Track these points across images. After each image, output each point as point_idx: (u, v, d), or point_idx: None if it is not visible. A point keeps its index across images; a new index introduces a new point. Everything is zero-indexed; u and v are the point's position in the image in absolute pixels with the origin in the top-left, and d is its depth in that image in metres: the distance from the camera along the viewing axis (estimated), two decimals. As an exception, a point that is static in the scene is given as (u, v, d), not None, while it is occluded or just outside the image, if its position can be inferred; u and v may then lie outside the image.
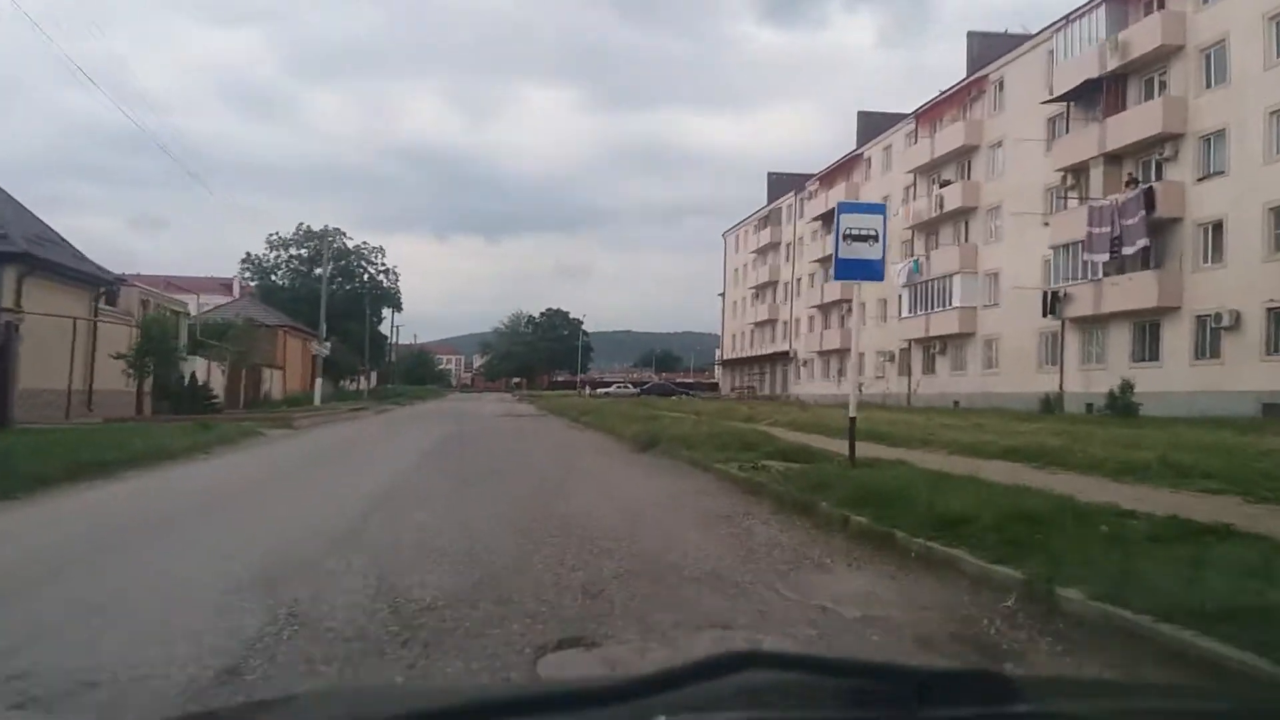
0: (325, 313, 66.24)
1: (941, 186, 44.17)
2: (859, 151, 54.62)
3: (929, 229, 45.65)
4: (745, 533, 7.42)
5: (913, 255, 46.21)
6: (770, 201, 69.44)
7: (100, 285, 23.56)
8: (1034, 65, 37.40)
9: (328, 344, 39.53)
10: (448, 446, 15.99)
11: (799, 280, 62.85)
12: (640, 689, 0.98)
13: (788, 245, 65.27)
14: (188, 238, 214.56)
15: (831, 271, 59.28)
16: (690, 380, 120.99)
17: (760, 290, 70.14)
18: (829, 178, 57.76)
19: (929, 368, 45.02)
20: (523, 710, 1.03)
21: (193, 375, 26.72)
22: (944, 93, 45.03)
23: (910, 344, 45.92)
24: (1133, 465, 10.64)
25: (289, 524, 7.67)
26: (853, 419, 10.71)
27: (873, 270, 10.94)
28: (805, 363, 60.99)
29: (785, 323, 65.27)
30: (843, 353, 54.95)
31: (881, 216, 11.22)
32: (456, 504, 8.82)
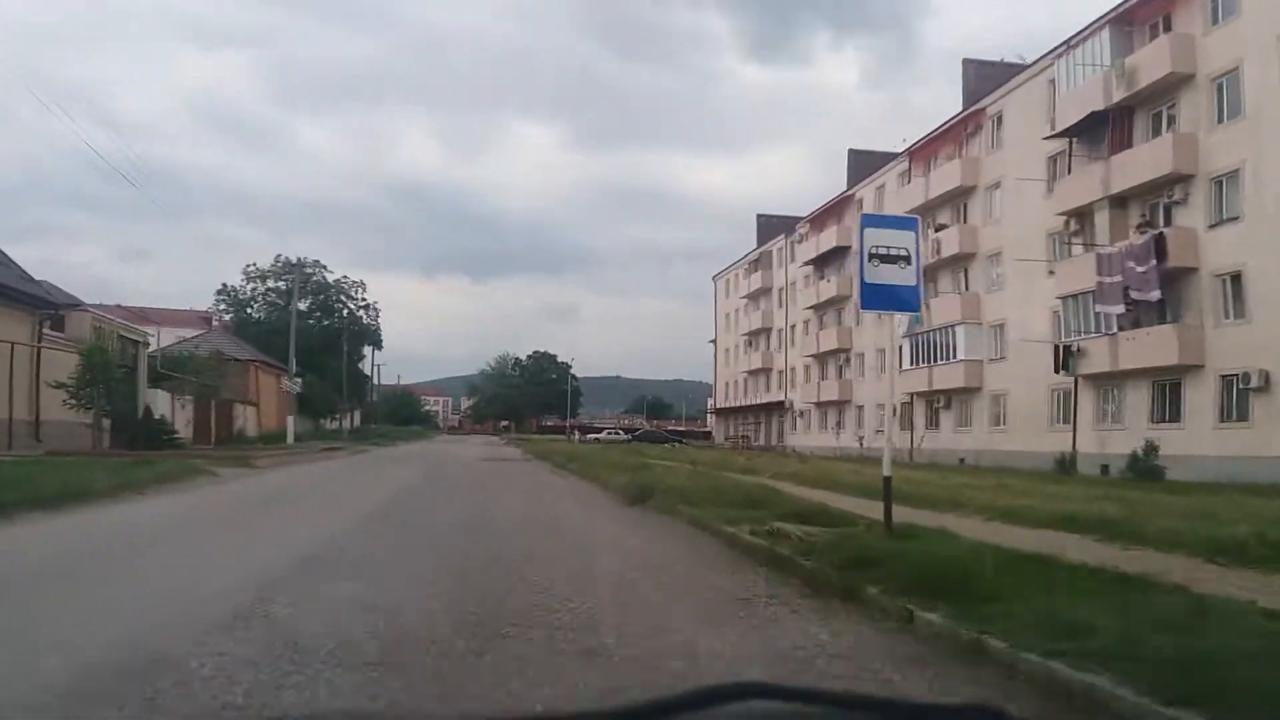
0: (296, 347, 64.30)
1: (937, 230, 42.75)
2: (850, 192, 53.54)
3: (928, 275, 44.12)
4: (773, 627, 5.57)
5: (913, 304, 44.74)
6: (760, 244, 68.29)
7: (45, 309, 21.66)
8: (1034, 96, 36.06)
9: (299, 380, 37.59)
10: (415, 494, 14.12)
11: (793, 327, 61.39)
12: (640, 716, 0.96)
13: (780, 290, 63.94)
14: (173, 271, 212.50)
15: (825, 319, 58.38)
16: (682, 429, 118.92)
17: (753, 337, 68.69)
18: (819, 220, 56.65)
19: (932, 422, 43.30)
20: None
21: (147, 409, 24.77)
22: (939, 128, 43.87)
23: (912, 397, 44.25)
24: (1222, 543, 8.83)
25: (153, 604, 5.76)
26: (888, 478, 8.89)
27: (906, 299, 9.21)
28: (801, 414, 59.25)
29: (780, 371, 63.66)
30: (841, 405, 53.29)
31: (914, 233, 9.43)
32: (398, 573, 6.95)
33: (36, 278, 31.18)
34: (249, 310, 67.14)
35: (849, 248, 52.53)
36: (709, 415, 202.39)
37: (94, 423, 19.86)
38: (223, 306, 66.50)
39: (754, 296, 67.98)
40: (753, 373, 68.38)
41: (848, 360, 53.40)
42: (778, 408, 62.91)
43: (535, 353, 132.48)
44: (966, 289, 41.34)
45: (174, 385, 28.92)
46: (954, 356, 40.73)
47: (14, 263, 22.08)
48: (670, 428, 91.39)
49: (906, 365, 44.39)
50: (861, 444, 46.94)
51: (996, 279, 39.20)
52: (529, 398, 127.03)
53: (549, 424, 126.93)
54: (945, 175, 42.03)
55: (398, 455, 32.58)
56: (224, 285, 66.54)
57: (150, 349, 37.10)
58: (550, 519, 10.73)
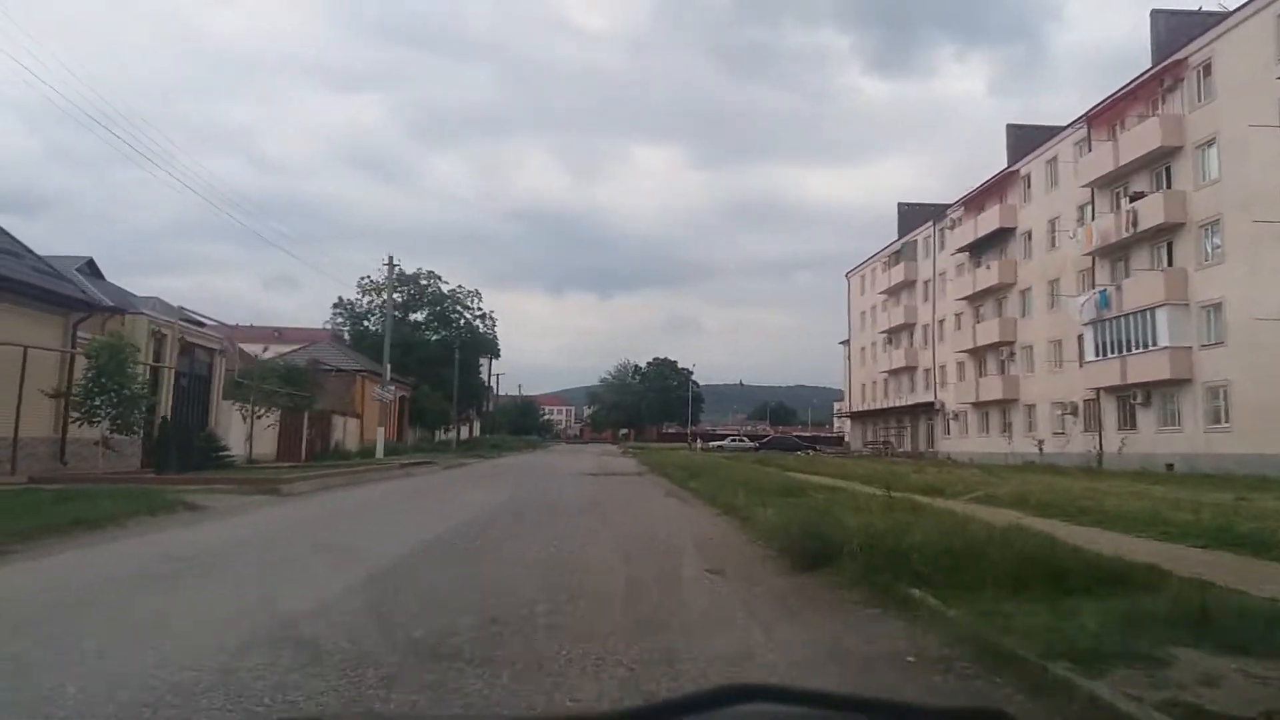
0: (413, 359, 62.45)
1: (1133, 200, 35.70)
2: (1014, 168, 46.45)
3: (1117, 253, 37.08)
4: None
5: (1095, 285, 37.65)
6: (901, 235, 61.57)
7: (79, 309, 18.50)
8: (1257, 35, 29.19)
9: (391, 388, 34.31)
10: (464, 537, 9.68)
11: (941, 322, 54.51)
12: (644, 719, 0.98)
13: (925, 283, 57.14)
14: (317, 297, 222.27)
15: (983, 310, 51.27)
16: (808, 434, 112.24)
17: (893, 334, 61.96)
18: (976, 201, 49.71)
19: (1126, 422, 36.05)
20: None
21: (169, 423, 21.41)
22: (1125, 87, 36.75)
23: (1099, 393, 37.12)
24: None
25: None
26: None
27: None
28: (955, 415, 52.31)
29: (926, 370, 56.83)
30: (1005, 404, 46.26)
31: None
32: None
33: (190, 306, 28.81)
34: (366, 323, 65.59)
35: (1013, 229, 45.69)
36: (837, 420, 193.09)
37: (102, 439, 16.35)
38: (340, 320, 65.19)
39: (894, 291, 61.31)
40: (893, 372, 61.68)
41: (1011, 354, 46.33)
42: (925, 410, 56.09)
43: (656, 359, 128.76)
44: (1170, 264, 34.05)
45: (242, 395, 25.73)
46: (1154, 344, 33.55)
47: (31, 252, 19.02)
48: (796, 434, 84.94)
49: (1090, 356, 37.38)
50: (1041, 449, 39.95)
51: (1213, 251, 31.90)
52: (649, 405, 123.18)
53: (669, 431, 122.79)
54: (1140, 138, 34.93)
55: (494, 470, 28.60)
56: (340, 299, 65.31)
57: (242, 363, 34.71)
58: (654, 612, 5.77)
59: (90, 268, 50.91)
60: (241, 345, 47.31)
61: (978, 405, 49.23)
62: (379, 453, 32.60)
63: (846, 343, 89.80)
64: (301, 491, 14.94)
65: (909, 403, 58.52)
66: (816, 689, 1.31)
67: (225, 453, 19.56)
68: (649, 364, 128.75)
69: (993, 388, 46.95)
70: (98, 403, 15.58)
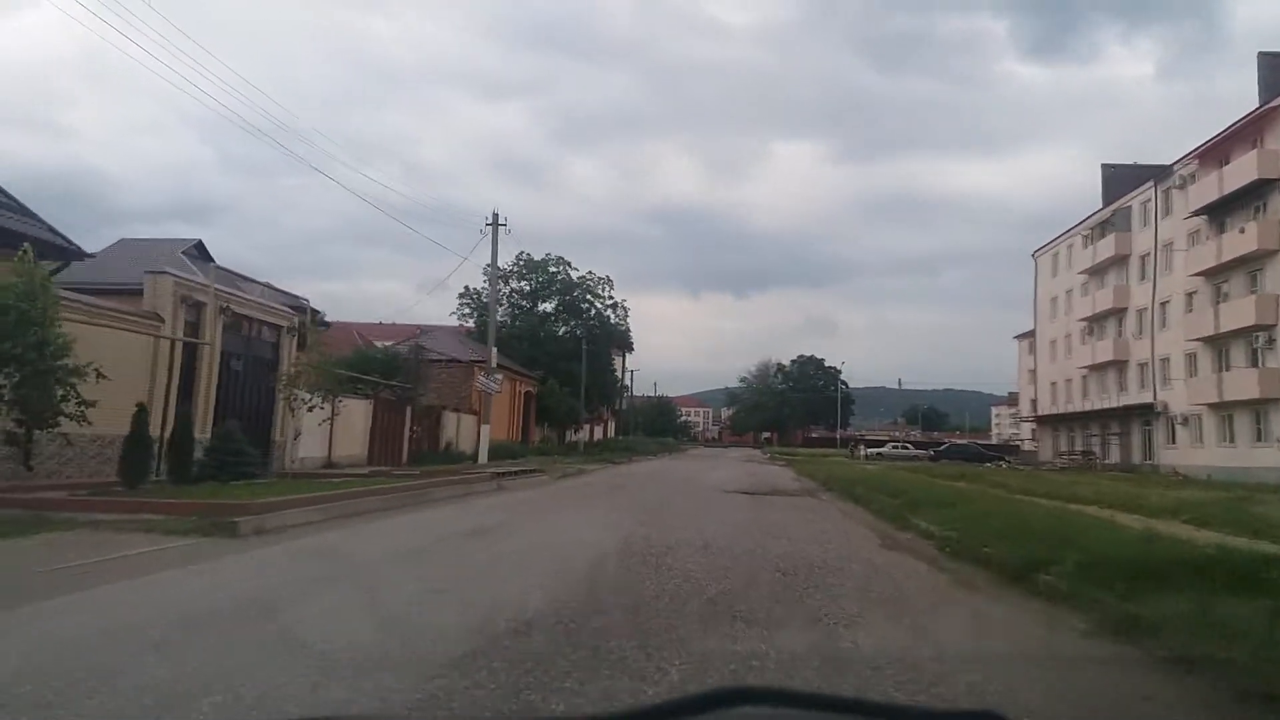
0: (541, 353, 57.58)
1: None
2: (1273, 104, 36.37)
3: None
4: None
5: None
6: (1108, 202, 51.49)
7: (51, 255, 13.53)
8: None
9: (499, 376, 28.82)
10: (530, 635, 3.43)
11: (1165, 304, 44.45)
12: None
13: (1143, 257, 47.07)
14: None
15: (1228, 286, 40.99)
16: (995, 444, 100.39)
17: (1097, 322, 51.90)
18: (1218, 151, 39.71)
19: None
20: None
21: (272, 422, 16.47)
22: None
23: None
24: None
25: None
26: None
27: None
28: (1184, 420, 42.30)
29: (1143, 365, 46.80)
30: (1262, 405, 36.27)
31: None
32: None
33: (348, 309, 25.15)
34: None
35: (1277, 179, 35.77)
36: (995, 425, 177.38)
37: (4, 437, 10.94)
38: (466, 310, 61.11)
39: (1100, 269, 51.30)
40: (1096, 368, 51.66)
41: (1270, 341, 36.28)
42: (1140, 413, 46.09)
43: (800, 357, 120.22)
44: None
45: (326, 383, 20.66)
46: None
47: (31, 212, 14.16)
48: (978, 442, 74.85)
49: None
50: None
51: None
52: (793, 407, 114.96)
53: (815, 435, 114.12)
54: None
55: (615, 482, 22.49)
56: (466, 288, 61.21)
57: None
58: None
59: (200, 250, 48.81)
60: (377, 342, 43.85)
61: (1218, 407, 39.23)
62: (482, 456, 27.23)
63: (1026, 336, 79.01)
64: (272, 530, 9.08)
65: (1118, 404, 48.51)
66: (812, 691, 1.24)
67: (243, 459, 14.13)
68: (793, 362, 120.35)
69: (1243, 384, 37.00)
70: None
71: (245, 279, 27.89)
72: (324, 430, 25.07)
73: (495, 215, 28.16)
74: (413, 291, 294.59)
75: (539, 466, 27.85)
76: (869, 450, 62.82)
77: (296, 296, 48.10)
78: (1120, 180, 50.85)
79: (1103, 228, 51.24)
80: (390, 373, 32.29)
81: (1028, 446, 66.35)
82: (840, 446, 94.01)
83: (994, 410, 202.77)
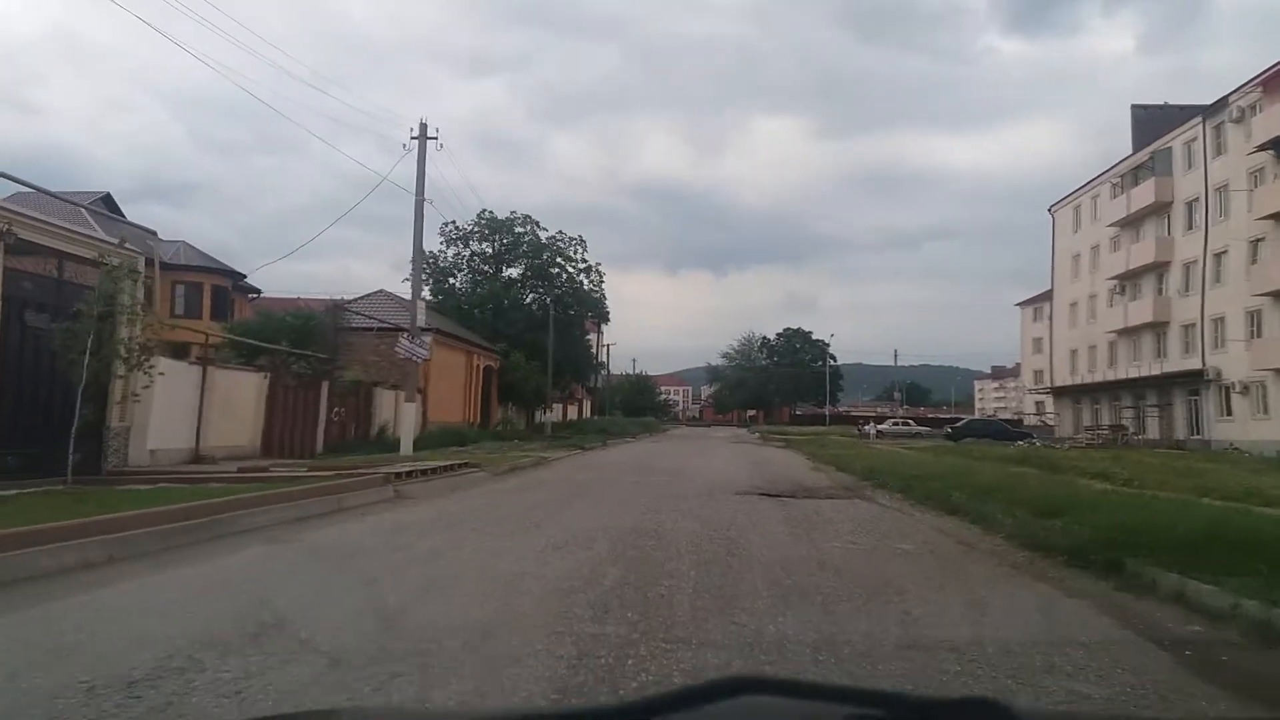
0: (490, 317, 50.85)
1: None
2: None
3: None
4: None
5: None
6: (1139, 146, 45.67)
7: None
8: None
9: (427, 339, 22.32)
10: None
11: (1220, 254, 38.77)
12: (636, 712, 0.96)
13: (1189, 203, 41.32)
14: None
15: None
16: (948, 416, 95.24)
17: (1130, 279, 46.19)
18: (1289, 77, 33.95)
19: None
20: None
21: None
22: None
23: None
24: None
25: None
26: None
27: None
28: (1244, 388, 36.72)
29: (1187, 326, 41.18)
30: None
31: None
32: None
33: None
34: (451, 280, 54.66)
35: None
36: (979, 400, 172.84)
37: None
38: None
39: (1134, 220, 45.50)
40: (1128, 331, 46.03)
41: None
42: (1185, 381, 40.50)
43: (787, 330, 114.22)
44: None
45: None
46: None
47: None
48: (969, 417, 69.25)
49: None
50: None
51: None
52: (779, 383, 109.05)
53: (802, 413, 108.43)
54: None
55: (582, 479, 16.25)
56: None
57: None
58: None
59: (107, 204, 41.88)
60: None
61: (1289, 372, 33.73)
62: (405, 444, 20.86)
63: (1032, 301, 73.49)
64: None
65: (1155, 372, 42.91)
66: (810, 681, 1.24)
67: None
68: (779, 335, 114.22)
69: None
70: None
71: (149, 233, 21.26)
72: (192, 412, 18.68)
73: (423, 127, 21.63)
74: (389, 271, 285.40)
75: (487, 456, 21.57)
76: (878, 428, 56.83)
77: (218, 262, 41.29)
78: (1153, 122, 45.05)
79: (1136, 174, 45.41)
80: (303, 342, 25.85)
81: (1030, 421, 60.91)
82: (830, 424, 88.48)
83: (977, 385, 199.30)
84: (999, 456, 24.65)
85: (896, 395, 66.07)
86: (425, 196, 21.11)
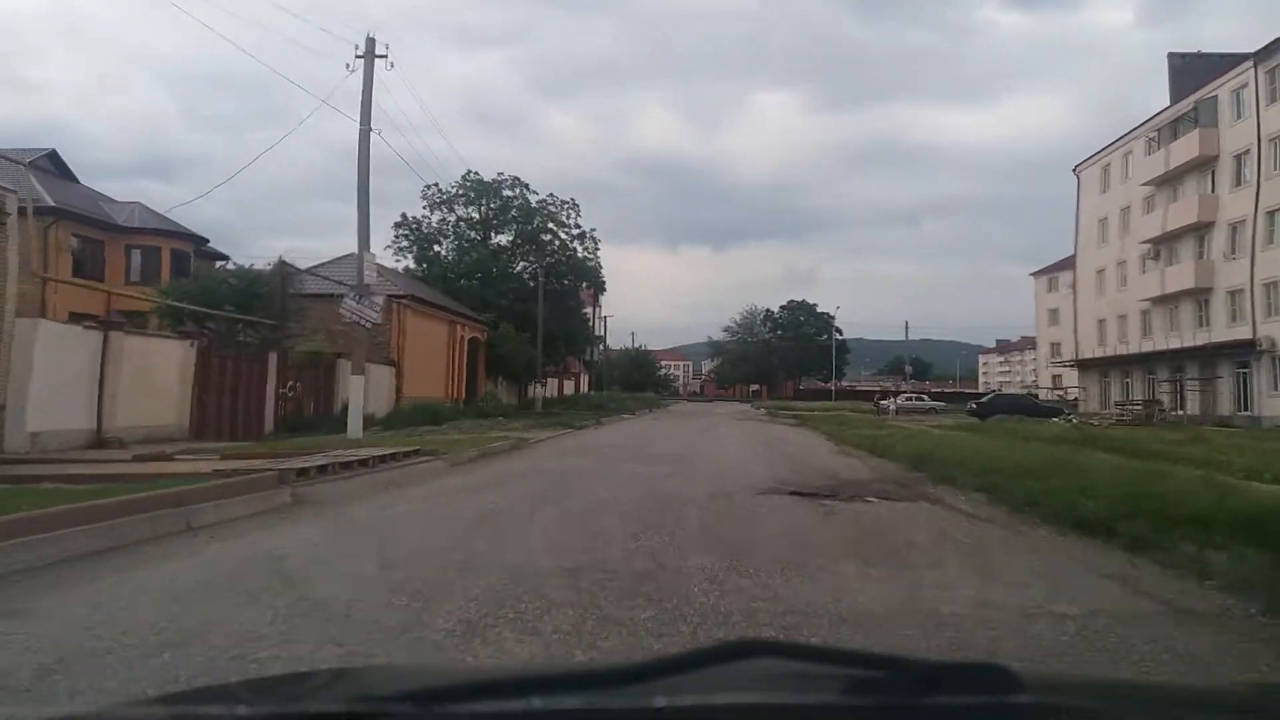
0: (478, 287, 47.45)
1: None
2: None
3: None
4: None
5: None
6: (1177, 99, 42.05)
7: None
8: None
9: (377, 300, 18.85)
10: None
11: (1275, 211, 35.34)
12: (644, 673, 0.97)
13: (1238, 156, 37.80)
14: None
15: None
16: (949, 391, 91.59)
17: (1168, 243, 42.76)
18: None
19: None
20: (526, 690, 0.97)
21: None
22: None
23: None
24: None
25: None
26: None
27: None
28: (1303, 359, 33.49)
29: (1233, 292, 37.85)
30: None
31: None
32: None
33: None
34: (436, 247, 51.19)
35: None
36: (983, 374, 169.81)
37: None
38: (405, 243, 50.73)
39: (1174, 178, 41.96)
40: (1164, 299, 42.69)
41: None
42: (1234, 352, 37.22)
43: (790, 302, 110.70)
44: None
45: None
46: None
47: None
48: (939, 390, 65.35)
49: None
50: None
51: None
52: (783, 356, 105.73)
53: (806, 388, 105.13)
54: None
55: (564, 469, 13.01)
56: (404, 216, 50.88)
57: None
58: None
59: (53, 161, 38.35)
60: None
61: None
62: (353, 426, 17.48)
63: (1049, 270, 70.14)
64: None
65: (1198, 343, 39.61)
66: (820, 644, 1.26)
67: None
68: (782, 308, 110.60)
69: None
70: None
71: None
72: (90, 386, 15.43)
73: (370, 43, 18.04)
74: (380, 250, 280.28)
75: (455, 439, 18.32)
76: (895, 403, 53.55)
77: (178, 224, 37.75)
78: (1193, 71, 41.41)
79: (1176, 126, 41.80)
80: (249, 307, 22.51)
81: (1045, 396, 57.63)
82: (836, 399, 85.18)
83: (981, 359, 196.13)
84: (1051, 437, 21.49)
85: (908, 369, 62.34)
86: (372, 126, 17.51)
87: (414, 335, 32.44)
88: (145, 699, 1.52)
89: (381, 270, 34.20)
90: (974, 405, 41.84)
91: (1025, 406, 39.00)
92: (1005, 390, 56.56)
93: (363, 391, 18.28)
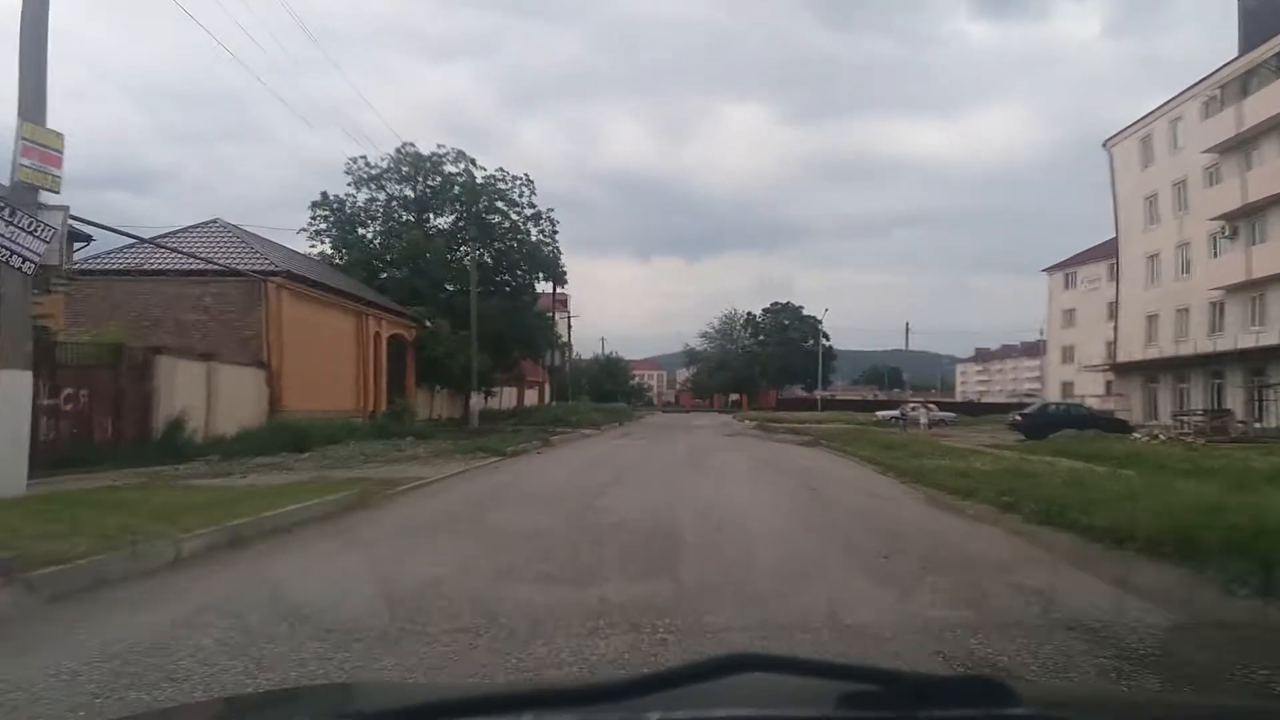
0: (409, 275, 38.89)
1: None
2: None
3: None
4: None
5: None
6: (1248, 48, 34.92)
7: None
8: None
9: (54, 216, 10.69)
10: None
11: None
12: (637, 689, 0.96)
13: (1343, 111, 30.57)
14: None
15: None
16: (931, 400, 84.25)
17: (1246, 218, 35.40)
18: None
19: None
20: (519, 706, 0.97)
21: None
22: None
23: None
24: None
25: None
26: None
27: None
28: None
29: (1339, 276, 30.55)
30: None
31: None
32: None
33: None
34: (362, 230, 42.69)
35: None
36: (961, 383, 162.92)
37: None
38: (324, 224, 42.07)
39: (1248, 141, 34.64)
40: (1240, 288, 35.36)
41: None
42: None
43: (774, 305, 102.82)
44: None
45: None
46: None
47: None
48: (914, 399, 57.21)
49: None
50: None
51: None
52: (765, 364, 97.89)
53: (791, 398, 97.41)
54: None
55: (325, 623, 4.78)
56: (324, 195, 42.28)
57: None
58: None
59: None
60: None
61: None
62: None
63: (1060, 268, 63.04)
64: None
65: (1271, 343, 32.24)
66: (812, 658, 1.19)
67: None
68: (765, 312, 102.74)
69: None
70: None
71: None
72: None
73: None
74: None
75: (237, 494, 10.18)
76: (884, 414, 45.75)
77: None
78: (1272, 15, 34.33)
79: (1247, 80, 34.60)
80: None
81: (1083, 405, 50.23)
82: (823, 410, 77.34)
83: (959, 368, 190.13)
84: (1179, 467, 13.74)
85: (906, 378, 54.79)
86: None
87: (299, 327, 24.10)
88: (131, 715, 1.57)
89: (242, 237, 25.83)
90: (1017, 417, 33.96)
91: (1078, 419, 31.19)
92: (1054, 400, 48.46)
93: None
